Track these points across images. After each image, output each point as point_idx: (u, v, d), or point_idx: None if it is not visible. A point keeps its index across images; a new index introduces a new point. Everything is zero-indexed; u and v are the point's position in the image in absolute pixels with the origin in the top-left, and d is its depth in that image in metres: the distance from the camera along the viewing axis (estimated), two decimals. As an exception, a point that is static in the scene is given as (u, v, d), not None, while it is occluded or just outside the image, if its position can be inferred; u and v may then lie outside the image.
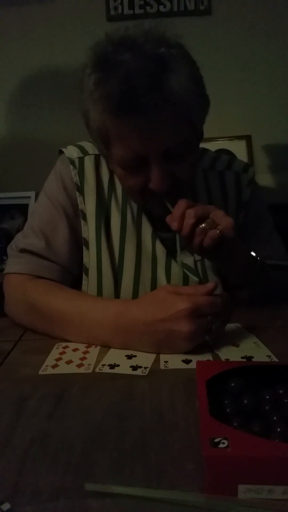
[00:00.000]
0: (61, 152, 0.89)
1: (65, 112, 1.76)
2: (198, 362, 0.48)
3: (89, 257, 0.85)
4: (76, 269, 0.86)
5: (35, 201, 1.42)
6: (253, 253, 0.80)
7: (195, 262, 0.87)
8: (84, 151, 0.87)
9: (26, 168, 1.81)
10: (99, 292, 0.85)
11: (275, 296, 0.85)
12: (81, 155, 0.87)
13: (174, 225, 0.68)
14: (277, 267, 0.89)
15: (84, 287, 0.87)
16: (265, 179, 1.80)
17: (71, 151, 0.87)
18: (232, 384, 0.47)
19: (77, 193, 0.85)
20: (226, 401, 0.46)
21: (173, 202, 0.72)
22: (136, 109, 0.65)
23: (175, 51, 0.68)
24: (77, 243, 0.86)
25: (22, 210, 1.80)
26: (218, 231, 0.67)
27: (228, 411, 0.44)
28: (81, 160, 0.86)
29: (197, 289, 0.63)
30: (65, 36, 1.79)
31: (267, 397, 0.47)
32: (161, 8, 1.79)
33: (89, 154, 0.87)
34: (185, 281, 0.85)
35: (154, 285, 0.85)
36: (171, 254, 0.86)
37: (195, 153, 0.78)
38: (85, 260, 0.86)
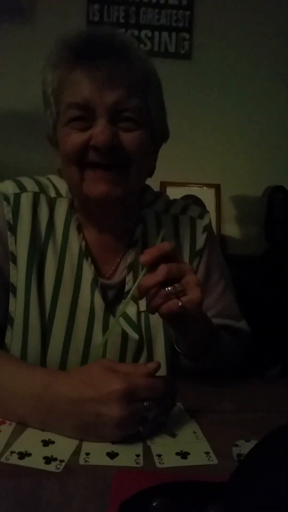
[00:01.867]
0: None
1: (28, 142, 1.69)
2: (117, 473, 0.40)
3: (16, 306, 0.75)
4: (3, 318, 0.76)
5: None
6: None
7: (139, 313, 0.77)
8: (22, 187, 0.79)
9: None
10: (24, 347, 0.74)
11: (226, 366, 0.77)
12: (18, 191, 0.78)
13: (145, 259, 0.59)
14: (227, 328, 0.81)
15: (7, 339, 0.76)
16: (231, 229, 1.78)
17: (7, 186, 0.78)
18: (154, 504, 0.39)
19: (9, 233, 0.76)
20: (144, 527, 0.37)
21: (115, 178, 0.70)
22: (93, 56, 0.67)
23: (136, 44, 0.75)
24: (5, 289, 0.76)
25: None
26: (180, 304, 0.58)
27: None
28: (17, 196, 0.77)
29: (136, 368, 0.55)
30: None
31: (195, 522, 0.38)
32: (142, 46, 1.78)
33: (27, 191, 0.78)
34: (124, 340, 0.75)
35: (88, 342, 0.75)
36: (110, 308, 0.77)
37: (145, 136, 0.72)
38: (10, 308, 0.75)
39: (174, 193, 1.74)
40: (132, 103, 0.69)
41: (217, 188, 1.78)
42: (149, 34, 1.80)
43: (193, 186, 1.78)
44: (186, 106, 1.75)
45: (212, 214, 1.76)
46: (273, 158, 1.79)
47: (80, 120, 0.69)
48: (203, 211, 0.88)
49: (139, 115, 0.70)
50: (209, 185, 1.78)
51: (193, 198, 1.76)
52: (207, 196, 1.77)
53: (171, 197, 0.92)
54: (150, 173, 0.80)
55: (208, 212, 0.88)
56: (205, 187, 1.78)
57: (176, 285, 0.59)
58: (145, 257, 0.60)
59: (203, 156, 1.79)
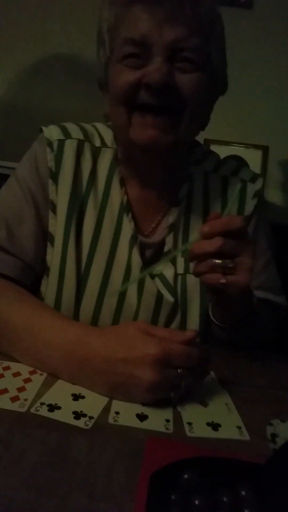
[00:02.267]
0: (41, 130, 0.76)
1: (69, 87, 1.62)
2: (149, 441, 0.39)
3: (53, 256, 0.73)
4: (40, 267, 0.75)
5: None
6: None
7: (175, 276, 0.75)
8: (66, 133, 0.75)
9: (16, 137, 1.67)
10: (58, 297, 0.73)
11: (259, 340, 0.75)
12: (62, 137, 0.75)
13: (204, 230, 0.56)
14: (267, 302, 0.78)
15: (42, 288, 0.76)
16: (276, 196, 1.69)
17: (51, 132, 0.75)
18: (185, 476, 0.38)
19: (50, 181, 0.73)
20: (173, 497, 0.36)
21: (165, 124, 0.64)
22: None
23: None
24: (45, 237, 0.74)
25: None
26: (222, 281, 0.56)
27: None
28: (61, 143, 0.74)
29: (173, 334, 0.53)
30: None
31: (225, 499, 0.37)
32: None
33: (72, 138, 0.75)
34: (158, 302, 0.73)
35: (121, 300, 0.73)
36: (147, 267, 0.73)
37: (204, 81, 0.66)
38: (48, 257, 0.74)
39: (218, 151, 1.64)
40: (193, 42, 0.63)
41: (265, 150, 1.67)
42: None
43: (239, 146, 1.68)
44: (243, 59, 1.62)
45: (257, 178, 1.68)
46: None
47: (135, 57, 0.64)
48: (256, 175, 0.83)
49: (198, 57, 0.65)
50: (256, 146, 1.68)
51: (238, 159, 1.67)
52: (253, 158, 1.66)
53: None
54: (203, 126, 0.75)
55: (261, 176, 0.83)
56: (251, 148, 1.68)
57: (227, 261, 0.56)
58: (205, 228, 0.56)
59: (253, 114, 1.67)
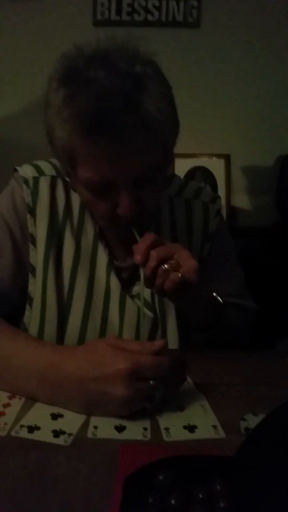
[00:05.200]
0: (15, 170, 0.80)
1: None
2: (122, 448, 0.40)
3: (35, 286, 0.77)
4: (16, 298, 0.78)
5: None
6: (216, 295, 0.74)
7: (152, 293, 0.79)
8: (40, 171, 0.79)
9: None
10: (41, 327, 0.76)
11: (231, 339, 0.79)
12: (36, 174, 0.78)
13: (138, 259, 0.63)
14: (236, 306, 0.84)
15: (26, 319, 0.78)
16: (241, 200, 1.74)
17: (26, 170, 0.79)
18: (160, 478, 0.39)
19: (28, 215, 0.77)
20: (150, 500, 0.38)
21: (138, 229, 0.67)
22: (109, 131, 0.59)
23: (150, 69, 0.62)
24: (21, 269, 0.77)
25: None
26: (180, 275, 0.62)
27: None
28: (36, 180, 0.78)
29: (143, 346, 0.55)
30: (48, 36, 1.69)
31: (200, 495, 0.39)
32: (149, 16, 1.70)
33: (45, 175, 0.79)
34: (139, 318, 0.76)
35: (104, 320, 0.77)
36: (125, 288, 0.79)
37: (164, 177, 0.72)
38: (30, 288, 0.78)
39: (183, 164, 1.70)
40: (152, 164, 0.63)
41: (227, 158, 1.73)
42: (157, 4, 1.71)
43: (202, 157, 1.73)
44: (194, 75, 1.69)
45: (222, 185, 1.72)
46: (284, 126, 1.73)
47: (101, 191, 0.65)
48: (215, 195, 0.89)
49: (159, 170, 0.66)
50: (218, 156, 1.74)
51: (202, 170, 1.72)
52: (217, 167, 1.72)
53: (180, 169, 0.92)
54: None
55: (219, 197, 0.90)
56: (214, 158, 1.73)
57: (170, 261, 0.63)
58: (137, 257, 0.64)
59: (212, 126, 1.73)
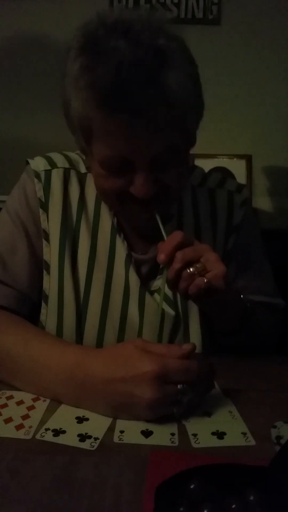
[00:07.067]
0: (27, 163, 0.79)
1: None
2: (153, 454, 0.39)
3: (50, 283, 0.75)
4: (37, 295, 0.76)
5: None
6: (245, 301, 0.71)
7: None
8: (52, 164, 0.77)
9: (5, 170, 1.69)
10: (59, 325, 0.74)
11: (260, 342, 0.76)
12: (48, 167, 0.77)
13: (161, 258, 0.61)
14: (265, 305, 0.80)
15: (42, 317, 0.76)
16: (263, 202, 1.71)
17: (37, 163, 0.77)
18: (192, 486, 0.38)
19: (41, 210, 0.75)
20: (181, 509, 0.37)
21: (160, 214, 0.65)
22: (127, 106, 0.56)
23: (174, 44, 0.59)
24: (39, 265, 0.76)
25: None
26: (205, 280, 0.59)
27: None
28: (48, 173, 0.76)
29: (170, 349, 0.53)
30: (64, 14, 1.68)
31: (234, 506, 0.37)
32: (168, 13, 1.68)
33: (58, 167, 0.77)
34: (161, 317, 0.73)
35: (123, 320, 0.75)
36: (145, 284, 0.76)
37: (185, 161, 0.69)
38: (45, 285, 0.75)
39: (203, 165, 1.65)
40: (171, 149, 0.61)
41: (248, 159, 1.70)
42: (176, 0, 1.70)
43: (223, 158, 1.71)
44: (215, 74, 1.67)
45: (243, 187, 1.71)
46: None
47: (116, 168, 0.63)
48: (241, 185, 0.85)
49: (179, 152, 0.64)
50: (239, 156, 1.71)
51: (223, 171, 1.70)
52: (238, 168, 1.69)
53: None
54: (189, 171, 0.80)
55: (246, 186, 0.85)
56: (235, 159, 1.71)
57: (196, 265, 0.60)
58: (161, 257, 0.60)
59: (233, 126, 1.71)
